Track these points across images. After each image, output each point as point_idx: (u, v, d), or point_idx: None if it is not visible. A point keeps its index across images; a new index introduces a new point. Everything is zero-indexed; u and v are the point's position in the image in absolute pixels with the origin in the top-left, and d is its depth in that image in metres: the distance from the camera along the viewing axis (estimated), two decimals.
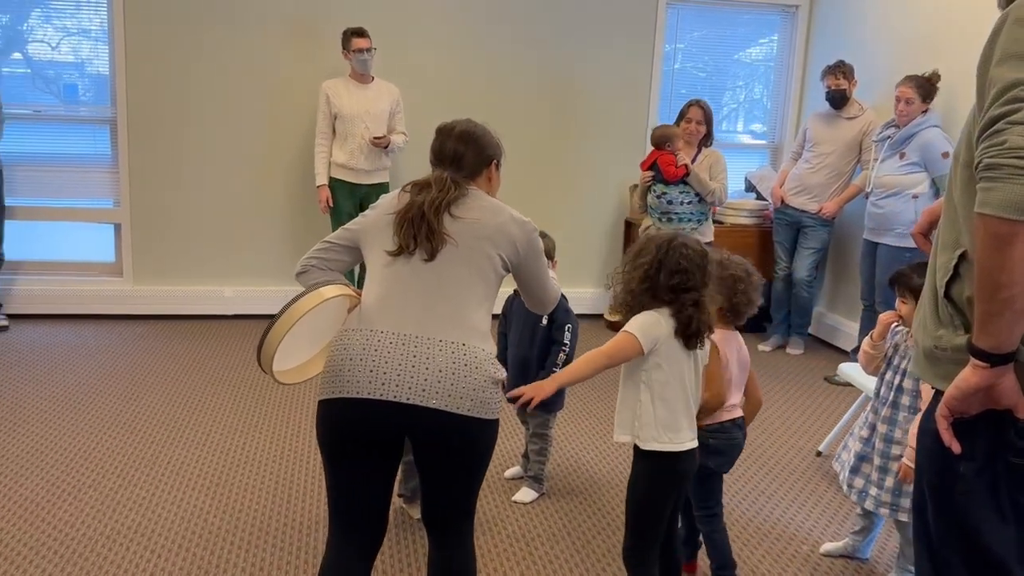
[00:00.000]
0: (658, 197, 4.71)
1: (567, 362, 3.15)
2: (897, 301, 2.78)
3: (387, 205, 2.14)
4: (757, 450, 3.93)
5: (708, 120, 4.79)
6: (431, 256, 2.03)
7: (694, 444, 2.34)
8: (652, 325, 2.26)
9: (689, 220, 4.69)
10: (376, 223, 2.13)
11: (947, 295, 1.56)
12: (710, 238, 4.77)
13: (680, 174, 4.62)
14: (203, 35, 5.48)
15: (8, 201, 5.32)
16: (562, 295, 3.23)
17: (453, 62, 5.80)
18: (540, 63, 5.92)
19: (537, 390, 2.25)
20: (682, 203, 4.67)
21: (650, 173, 4.76)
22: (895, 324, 2.77)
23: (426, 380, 1.93)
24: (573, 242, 6.05)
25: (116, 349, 4.98)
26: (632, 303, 2.32)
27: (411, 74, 5.61)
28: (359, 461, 2.03)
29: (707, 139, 4.84)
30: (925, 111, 4.62)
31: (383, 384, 1.92)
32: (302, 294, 1.98)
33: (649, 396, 2.28)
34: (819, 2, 6.11)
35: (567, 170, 6.10)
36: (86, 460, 3.51)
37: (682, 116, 4.83)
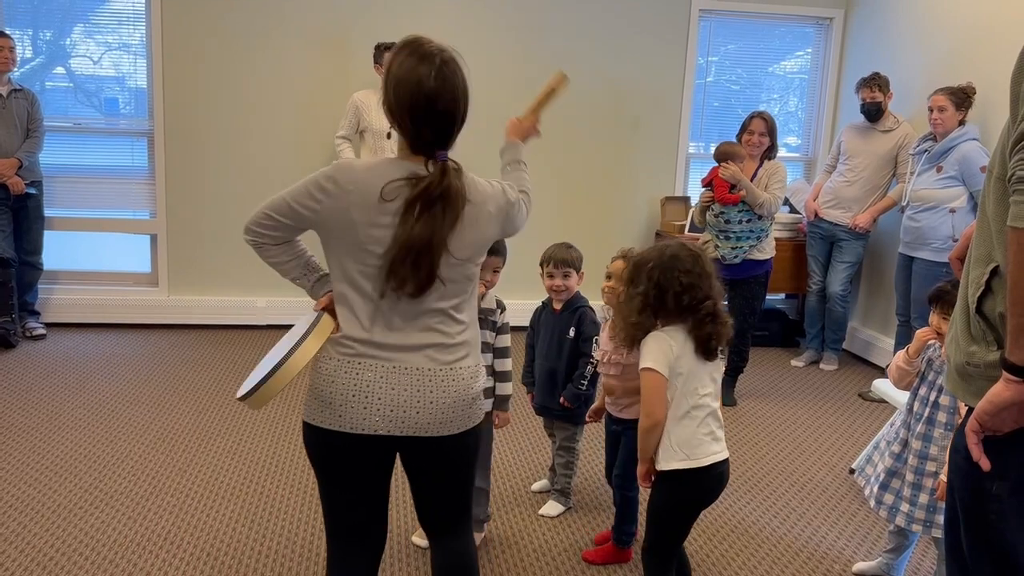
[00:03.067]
0: (716, 216, 4.54)
1: (595, 374, 3.14)
2: (935, 317, 2.72)
3: (364, 203, 1.77)
4: (788, 467, 3.87)
5: (771, 132, 4.63)
6: (419, 293, 1.82)
7: (718, 457, 2.27)
8: (664, 351, 2.21)
9: (748, 238, 4.54)
10: (346, 226, 1.80)
11: (979, 310, 1.53)
12: (771, 254, 4.65)
13: (732, 199, 4.48)
14: (238, 50, 5.56)
15: (47, 212, 5.42)
16: (590, 307, 3.23)
17: (482, 74, 5.81)
18: (572, 75, 5.89)
19: (644, 477, 2.31)
20: (740, 222, 4.50)
21: (709, 193, 4.57)
22: (931, 340, 2.72)
23: (418, 413, 1.85)
24: (603, 255, 6.00)
25: (151, 358, 5.05)
26: (636, 334, 2.27)
27: None
28: (354, 479, 1.95)
29: (771, 151, 4.69)
30: (962, 122, 4.55)
31: (376, 420, 1.83)
32: (298, 343, 1.82)
33: (672, 417, 2.24)
34: (854, 14, 6.05)
35: (598, 182, 6.09)
36: (119, 467, 3.56)
37: (744, 128, 4.69)
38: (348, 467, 1.92)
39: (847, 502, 3.54)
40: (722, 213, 4.51)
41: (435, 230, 1.77)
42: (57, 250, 5.61)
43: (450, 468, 1.97)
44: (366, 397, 1.83)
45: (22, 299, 5.33)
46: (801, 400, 4.83)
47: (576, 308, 3.18)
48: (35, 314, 5.46)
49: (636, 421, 2.41)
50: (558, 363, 3.19)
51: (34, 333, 5.34)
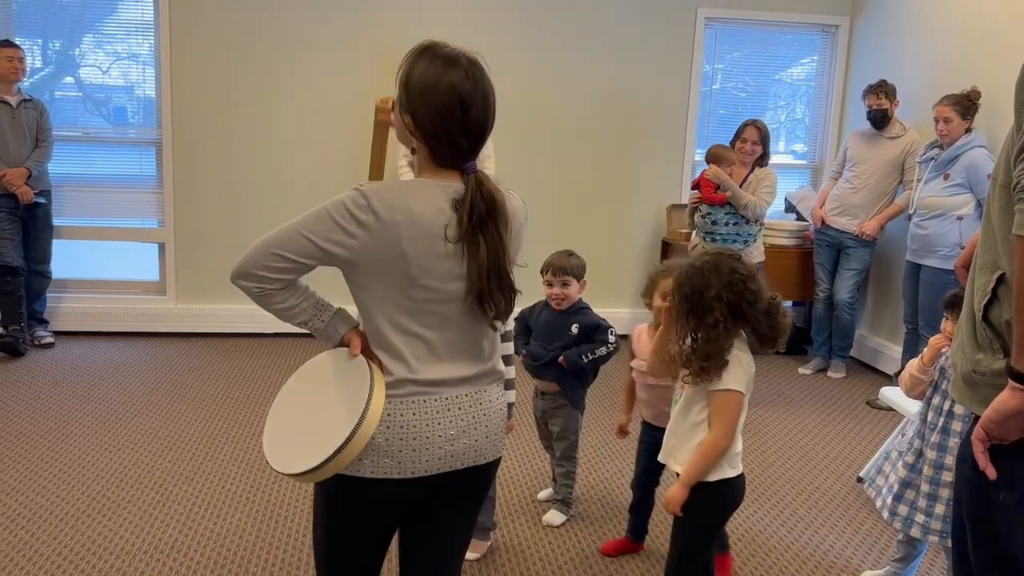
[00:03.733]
0: (703, 216, 4.70)
1: (598, 359, 3.12)
2: (949, 323, 2.71)
3: (416, 234, 1.61)
4: (796, 475, 3.86)
5: (764, 140, 4.73)
6: (509, 313, 1.74)
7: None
8: (747, 370, 2.18)
9: (734, 241, 4.62)
10: (395, 261, 1.61)
11: (985, 318, 1.53)
12: (760, 259, 4.72)
13: (719, 199, 4.59)
14: (246, 60, 5.59)
15: (56, 221, 5.45)
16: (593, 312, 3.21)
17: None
18: (578, 82, 5.94)
19: (673, 503, 2.21)
20: (725, 224, 4.62)
21: (697, 194, 4.73)
22: (944, 348, 2.70)
23: (476, 441, 1.74)
24: (609, 262, 6.04)
25: (158, 366, 5.07)
26: (715, 351, 2.14)
27: None
28: (382, 531, 1.80)
29: (763, 159, 4.78)
30: (968, 130, 4.54)
31: (452, 456, 1.70)
32: (366, 406, 1.60)
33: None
34: (859, 22, 6.05)
35: (605, 189, 6.10)
36: (126, 476, 3.57)
37: (738, 136, 4.78)
38: (381, 517, 1.76)
39: (855, 510, 3.53)
40: (709, 214, 4.63)
41: (499, 245, 1.67)
42: (66, 259, 5.64)
43: (478, 500, 1.86)
44: (427, 437, 1.67)
45: (31, 308, 5.35)
46: (808, 408, 4.82)
47: (579, 309, 3.17)
48: (44, 322, 5.48)
49: None
50: (553, 353, 3.16)
51: (43, 341, 5.36)
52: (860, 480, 3.83)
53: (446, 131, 1.64)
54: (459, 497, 1.81)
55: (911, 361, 2.80)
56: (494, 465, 1.82)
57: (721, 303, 2.12)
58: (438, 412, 1.69)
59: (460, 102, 1.63)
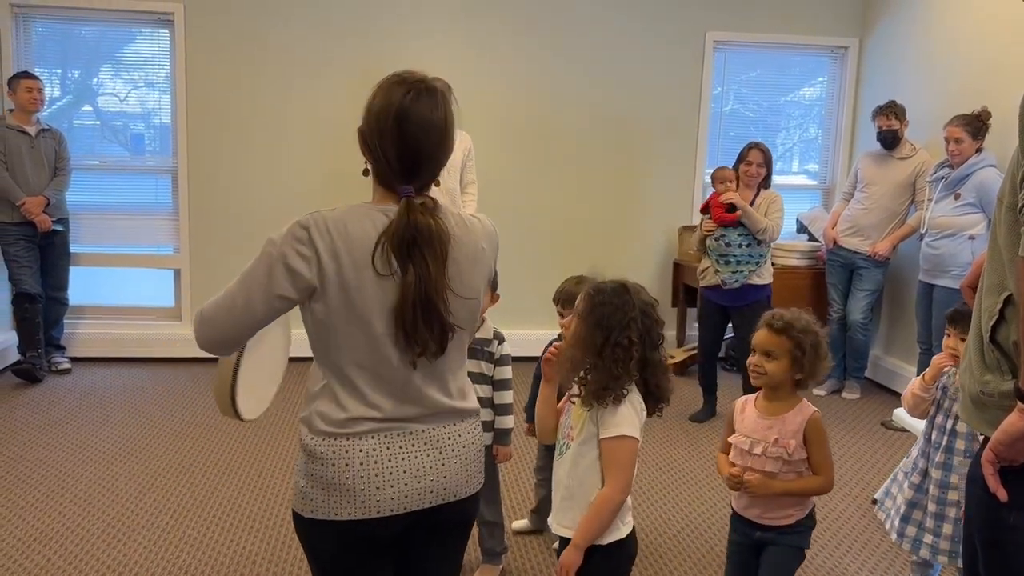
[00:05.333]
0: (716, 239, 4.64)
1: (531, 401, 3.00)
2: (952, 339, 2.70)
3: (354, 261, 1.55)
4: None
5: (767, 162, 4.74)
6: (441, 351, 1.62)
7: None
8: (640, 414, 2.00)
9: (748, 262, 4.61)
10: (340, 291, 1.55)
11: (993, 339, 1.53)
12: (769, 280, 4.70)
13: (730, 219, 4.57)
14: (261, 88, 5.67)
15: (73, 248, 5.52)
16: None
17: (502, 105, 5.89)
18: (587, 106, 5.98)
19: (566, 569, 1.95)
20: (740, 246, 4.58)
21: (709, 220, 4.68)
22: (947, 367, 2.70)
23: (445, 477, 1.68)
24: None
25: (174, 391, 5.10)
26: (618, 376, 1.95)
27: (462, 117, 5.70)
28: (375, 573, 1.73)
29: (766, 181, 4.78)
30: (979, 150, 4.55)
31: (419, 494, 1.65)
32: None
33: None
34: (868, 43, 6.08)
35: (616, 212, 6.12)
36: (142, 500, 3.59)
37: (741, 159, 4.78)
38: (366, 560, 1.69)
39: (870, 532, 3.50)
40: (723, 236, 4.58)
41: (427, 275, 1.55)
42: (82, 285, 5.70)
43: (466, 534, 1.82)
44: (391, 474, 1.62)
45: (48, 334, 5.40)
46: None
47: None
48: (61, 349, 5.54)
49: (789, 525, 2.29)
50: None
51: (60, 367, 5.41)
52: (875, 502, 3.80)
53: (381, 147, 1.60)
54: (440, 533, 1.75)
55: (913, 380, 2.80)
56: (473, 500, 1.76)
57: (636, 326, 1.96)
58: (401, 448, 1.63)
59: (395, 116, 1.57)
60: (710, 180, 4.77)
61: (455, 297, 1.61)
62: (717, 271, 4.62)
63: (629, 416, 1.96)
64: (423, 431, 1.66)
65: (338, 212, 1.58)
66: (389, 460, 1.62)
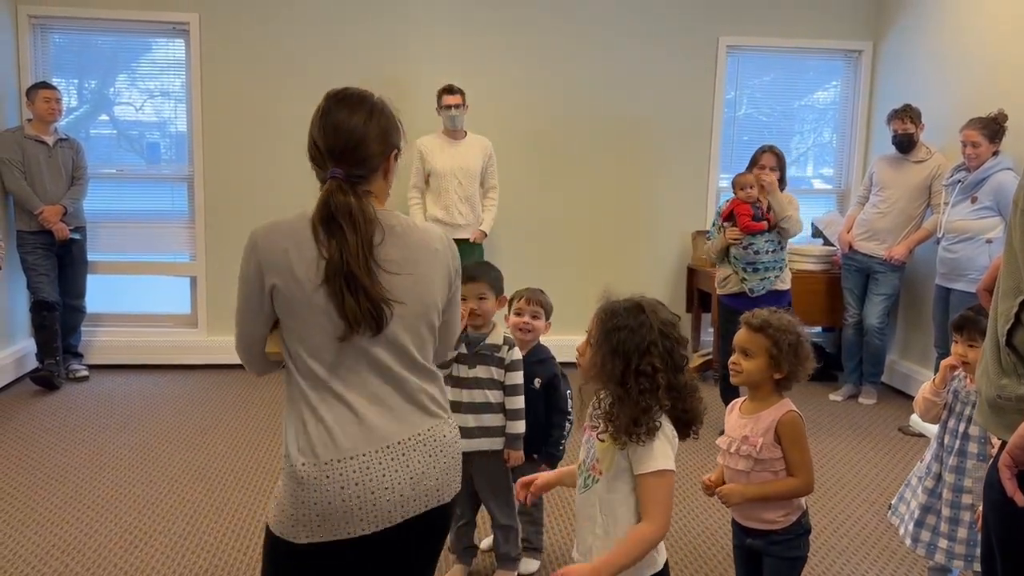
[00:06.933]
0: (744, 248, 4.50)
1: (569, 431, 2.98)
2: (960, 346, 2.67)
3: (300, 261, 1.63)
4: (827, 504, 3.82)
5: (781, 166, 4.67)
6: (378, 330, 1.64)
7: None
8: (673, 442, 1.85)
9: (773, 268, 4.53)
10: (301, 292, 1.63)
11: (1009, 343, 1.52)
12: (789, 284, 4.64)
13: (758, 227, 4.45)
14: (276, 96, 5.70)
15: (90, 256, 5.57)
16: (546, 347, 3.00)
17: (516, 110, 5.90)
18: (601, 111, 5.99)
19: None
20: (767, 252, 4.49)
21: (733, 228, 4.51)
22: (956, 370, 2.68)
23: (413, 489, 1.69)
24: (634, 288, 5.97)
25: (190, 398, 5.13)
26: (647, 407, 1.79)
27: (479, 123, 5.72)
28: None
29: (780, 184, 4.73)
30: (996, 153, 4.52)
31: (388, 512, 1.65)
32: None
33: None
34: (882, 47, 6.05)
35: (629, 217, 6.12)
36: (159, 507, 3.61)
37: (755, 162, 4.72)
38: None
39: (887, 538, 3.48)
40: (751, 244, 4.49)
41: (346, 248, 1.60)
42: (100, 293, 5.75)
43: (440, 541, 1.82)
44: (372, 495, 1.64)
45: (66, 342, 5.45)
46: (840, 435, 4.76)
47: (542, 359, 3.00)
48: (78, 356, 5.58)
49: (776, 532, 2.27)
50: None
51: (77, 375, 5.46)
52: (891, 507, 3.77)
53: (311, 137, 1.73)
54: (423, 545, 1.78)
55: (924, 384, 2.78)
56: (451, 505, 1.78)
57: (657, 349, 1.80)
58: (380, 464, 1.65)
59: (322, 110, 1.73)
60: (731, 186, 4.68)
61: (390, 275, 1.64)
62: (744, 279, 4.50)
63: (663, 448, 1.80)
64: (389, 449, 1.66)
65: (289, 217, 1.70)
66: (373, 480, 1.64)
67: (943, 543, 2.62)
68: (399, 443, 1.67)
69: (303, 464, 1.62)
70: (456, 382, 2.83)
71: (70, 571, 3.05)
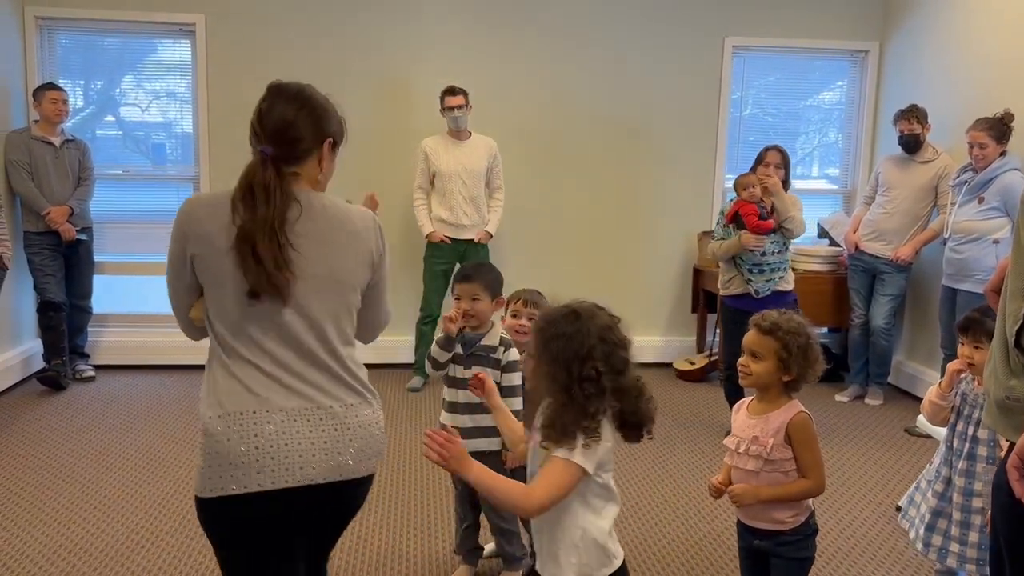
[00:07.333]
0: (751, 249, 4.44)
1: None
2: (966, 347, 2.66)
3: (216, 229, 1.76)
4: (833, 505, 3.81)
5: (785, 165, 4.63)
6: (286, 300, 1.74)
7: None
8: (601, 446, 1.80)
9: (778, 269, 4.51)
10: (214, 258, 1.76)
11: (1018, 344, 1.52)
12: (792, 285, 4.62)
13: (767, 227, 4.43)
14: None
15: (97, 256, 5.58)
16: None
17: (517, 111, 5.90)
18: (606, 111, 5.99)
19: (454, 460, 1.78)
20: (774, 253, 4.45)
21: (753, 239, 4.40)
22: (963, 373, 2.67)
23: (315, 456, 1.75)
24: (641, 290, 6.04)
25: (196, 398, 5.11)
26: (592, 425, 1.77)
27: (483, 123, 5.72)
28: (273, 554, 1.80)
29: (784, 184, 4.70)
30: (1003, 153, 4.51)
31: (285, 471, 1.72)
32: None
33: (594, 517, 1.82)
34: (889, 47, 6.04)
35: (635, 217, 6.12)
36: (165, 506, 3.62)
37: (759, 161, 4.69)
38: (262, 537, 1.78)
39: (894, 540, 3.47)
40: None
41: (251, 217, 1.71)
42: (106, 294, 5.76)
43: (348, 518, 1.93)
44: (285, 444, 1.73)
45: (72, 342, 5.46)
46: (846, 436, 4.76)
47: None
48: (85, 356, 5.60)
49: (785, 533, 2.27)
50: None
51: (84, 375, 5.47)
52: (899, 509, 3.76)
53: (251, 121, 1.86)
54: (334, 515, 1.87)
55: (931, 388, 2.77)
56: (365, 481, 1.85)
57: (598, 353, 1.77)
58: (295, 422, 1.75)
59: (262, 98, 1.88)
60: (734, 187, 4.67)
61: (298, 249, 1.74)
62: (749, 280, 4.45)
63: (587, 451, 1.76)
64: (295, 412, 1.76)
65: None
66: (284, 434, 1.74)
67: (955, 547, 2.61)
68: (305, 409, 1.76)
69: (210, 418, 1.75)
70: (452, 382, 2.83)
71: (77, 571, 3.06)
